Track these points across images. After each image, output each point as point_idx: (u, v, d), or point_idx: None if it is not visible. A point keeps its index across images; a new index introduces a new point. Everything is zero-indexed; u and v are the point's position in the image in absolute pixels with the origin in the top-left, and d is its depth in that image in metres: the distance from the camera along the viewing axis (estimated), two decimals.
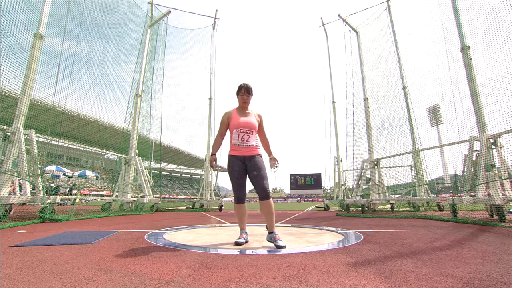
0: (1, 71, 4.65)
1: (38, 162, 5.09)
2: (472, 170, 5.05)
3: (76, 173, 21.81)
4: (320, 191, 59.39)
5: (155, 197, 8.75)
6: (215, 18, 12.08)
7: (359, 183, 8.12)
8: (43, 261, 1.75)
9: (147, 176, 8.57)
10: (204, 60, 12.29)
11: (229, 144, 2.66)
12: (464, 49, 5.40)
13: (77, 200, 7.13)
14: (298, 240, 2.67)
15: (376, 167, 8.20)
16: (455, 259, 1.78)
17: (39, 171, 5.08)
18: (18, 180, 5.09)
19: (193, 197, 43.31)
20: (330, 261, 1.74)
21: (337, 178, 11.83)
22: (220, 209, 9.67)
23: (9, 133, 4.77)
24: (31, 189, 4.97)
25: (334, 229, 3.62)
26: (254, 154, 2.57)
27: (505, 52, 4.62)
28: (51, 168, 14.04)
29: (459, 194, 5.63)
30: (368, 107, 8.91)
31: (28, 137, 5.04)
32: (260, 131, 2.74)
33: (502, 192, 4.45)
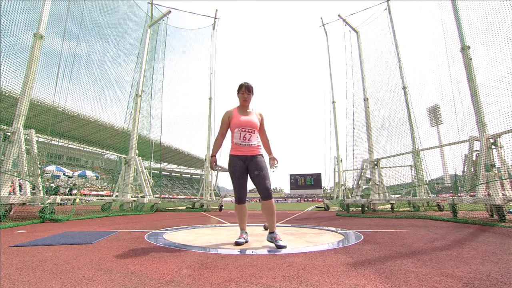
0: (1, 71, 4.65)
1: (38, 162, 5.08)
2: (472, 170, 5.05)
3: (76, 173, 21.81)
4: (320, 191, 59.36)
5: (155, 197, 8.75)
6: (215, 18, 12.08)
7: (359, 183, 8.12)
8: (43, 261, 1.75)
9: (147, 176, 8.57)
10: (204, 60, 12.31)
11: (229, 143, 2.66)
12: (464, 49, 5.40)
13: (77, 200, 7.13)
14: (298, 240, 2.67)
15: (376, 167, 8.20)
16: (455, 259, 1.78)
17: (39, 171, 5.08)
18: (18, 180, 5.09)
19: (193, 197, 43.30)
20: (330, 261, 1.74)
21: (337, 178, 11.83)
22: (220, 209, 9.67)
23: (9, 133, 4.77)
24: (31, 189, 4.97)
25: (334, 229, 3.62)
26: (256, 154, 2.56)
27: (505, 52, 4.62)
28: (51, 168, 14.04)
29: (459, 194, 5.63)
30: (368, 107, 8.91)
31: (28, 137, 5.04)
32: (261, 130, 2.73)
33: (502, 192, 4.45)
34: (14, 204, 4.56)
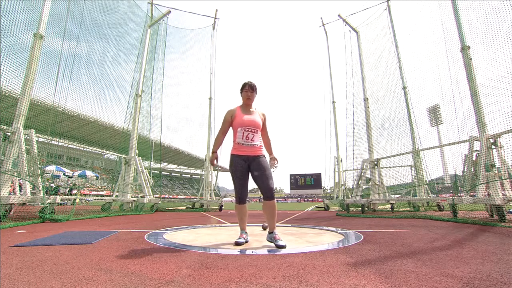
0: (1, 71, 4.65)
1: (38, 162, 5.08)
2: (472, 170, 5.05)
3: (76, 173, 21.81)
4: (320, 191, 59.36)
5: (155, 197, 8.75)
6: (215, 18, 12.08)
7: (359, 183, 8.12)
8: (43, 261, 1.75)
9: (147, 176, 8.57)
10: (204, 60, 12.31)
11: (229, 143, 2.65)
12: (464, 49, 5.40)
13: (77, 200, 7.13)
14: (298, 240, 2.67)
15: (376, 167, 8.20)
16: (455, 259, 1.78)
17: (39, 171, 5.08)
18: (18, 180, 5.09)
19: (193, 197, 43.30)
20: (330, 261, 1.74)
21: (337, 178, 11.83)
22: (220, 209, 9.67)
23: (9, 133, 4.77)
24: (31, 189, 4.97)
25: (334, 229, 3.62)
26: (258, 154, 2.55)
27: (505, 52, 4.62)
28: (51, 168, 14.04)
29: (459, 194, 5.63)
30: (368, 107, 8.91)
31: (28, 137, 5.04)
32: (263, 130, 2.72)
33: (502, 192, 4.45)
34: (14, 204, 4.56)
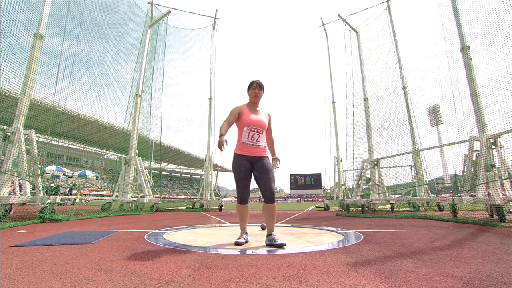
0: (1, 71, 4.65)
1: (38, 162, 5.08)
2: (472, 170, 5.05)
3: (76, 173, 21.81)
4: (320, 191, 59.35)
5: (155, 197, 8.75)
6: (215, 18, 12.08)
7: (359, 183, 8.12)
8: (43, 261, 1.75)
9: (147, 176, 8.57)
10: (204, 60, 12.31)
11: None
12: (464, 49, 5.40)
13: (77, 200, 7.13)
14: (298, 240, 2.67)
15: (376, 167, 8.20)
16: (455, 259, 1.78)
17: (39, 171, 5.08)
18: (18, 180, 5.09)
19: (193, 197, 43.29)
20: (330, 261, 1.74)
21: (337, 178, 11.84)
22: (220, 209, 9.67)
23: (9, 133, 4.77)
24: (31, 189, 4.97)
25: (334, 229, 3.62)
26: (262, 155, 2.53)
27: (505, 52, 4.62)
28: (51, 168, 14.04)
29: (459, 194, 5.63)
30: (368, 107, 8.91)
31: (28, 137, 5.04)
32: (268, 130, 2.70)
33: (502, 192, 4.45)
34: (14, 204, 4.56)
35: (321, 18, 12.58)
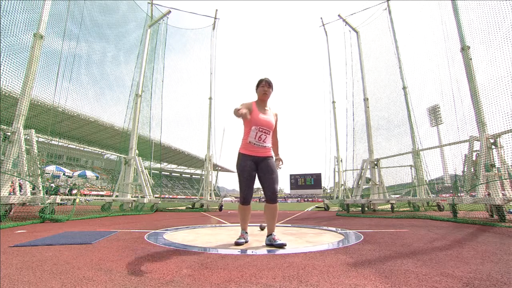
0: (1, 71, 4.65)
1: (38, 162, 5.08)
2: (472, 170, 5.05)
3: (76, 173, 21.82)
4: (320, 191, 59.33)
5: (155, 197, 8.74)
6: (215, 18, 12.08)
7: (359, 183, 8.12)
8: (43, 261, 1.75)
9: (147, 176, 8.57)
10: (204, 60, 12.30)
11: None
12: (464, 49, 5.40)
13: (77, 200, 7.13)
14: (298, 240, 2.67)
15: (376, 167, 8.20)
16: (455, 259, 1.78)
17: (39, 171, 5.08)
18: (18, 180, 5.09)
19: (193, 197, 43.28)
20: (330, 261, 1.74)
21: (337, 178, 11.83)
22: (220, 209, 9.67)
23: (9, 133, 4.77)
24: (31, 189, 4.97)
25: (334, 229, 3.62)
26: (268, 155, 2.53)
27: (505, 52, 4.62)
28: (51, 168, 14.05)
29: (459, 194, 5.63)
30: (368, 107, 8.91)
31: (28, 137, 5.03)
32: (274, 130, 2.68)
33: (502, 192, 4.45)
34: (14, 204, 4.56)
35: (321, 18, 12.58)
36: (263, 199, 2.50)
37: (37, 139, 5.23)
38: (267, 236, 2.42)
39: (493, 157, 4.75)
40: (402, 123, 8.28)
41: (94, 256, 1.89)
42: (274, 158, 2.65)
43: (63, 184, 16.91)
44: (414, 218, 5.29)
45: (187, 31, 12.41)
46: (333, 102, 12.60)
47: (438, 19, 6.62)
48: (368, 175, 8.33)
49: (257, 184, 2.55)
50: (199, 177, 63.17)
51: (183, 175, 66.66)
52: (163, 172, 54.39)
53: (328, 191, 45.20)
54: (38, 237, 2.83)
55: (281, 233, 3.15)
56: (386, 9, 9.27)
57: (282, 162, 2.71)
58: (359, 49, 9.78)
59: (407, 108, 8.16)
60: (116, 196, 8.04)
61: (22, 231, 3.35)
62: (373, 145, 8.50)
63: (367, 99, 8.98)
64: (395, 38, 8.79)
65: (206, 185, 10.53)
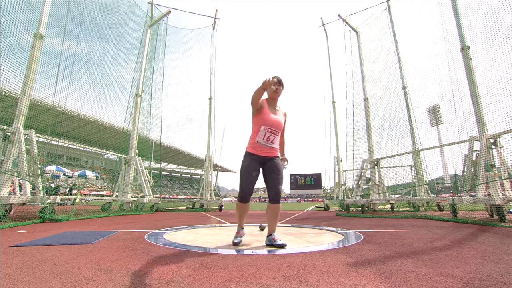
0: (1, 71, 4.65)
1: (38, 162, 5.08)
2: (472, 170, 5.05)
3: (76, 173, 21.82)
4: (320, 191, 59.31)
5: (155, 197, 8.75)
6: (215, 18, 12.08)
7: (359, 183, 8.12)
8: (43, 261, 1.75)
9: (147, 176, 8.57)
10: (204, 60, 12.30)
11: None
12: (464, 49, 5.40)
13: (77, 200, 7.13)
14: (298, 240, 2.67)
15: (376, 167, 8.20)
16: (455, 259, 1.78)
17: (39, 171, 5.08)
18: (18, 180, 5.09)
19: (193, 197, 43.27)
20: (330, 261, 1.74)
21: (337, 178, 11.83)
22: (220, 209, 9.67)
23: (9, 133, 4.77)
24: (31, 189, 4.97)
25: (334, 229, 3.62)
26: (274, 156, 2.52)
27: (505, 52, 4.62)
28: (51, 168, 14.05)
29: (459, 194, 5.63)
30: (368, 107, 8.91)
31: (28, 137, 5.03)
32: (282, 130, 2.65)
33: (502, 192, 4.45)
34: (14, 204, 4.56)
35: (321, 18, 12.58)
36: (263, 199, 2.49)
37: (37, 139, 5.23)
38: (267, 236, 2.42)
39: (493, 157, 4.75)
40: (402, 123, 8.28)
41: (94, 256, 1.89)
42: (280, 158, 2.64)
43: (63, 184, 16.91)
44: (414, 218, 5.29)
45: (187, 31, 12.41)
46: (333, 102, 12.60)
47: (438, 19, 6.62)
48: (368, 175, 8.33)
49: (257, 184, 2.54)
50: (199, 177, 63.18)
51: (183, 175, 66.65)
52: (163, 172, 54.39)
53: (328, 191, 45.20)
54: (38, 237, 2.83)
55: (281, 233, 3.15)
56: (386, 9, 9.27)
57: (287, 162, 2.71)
58: (359, 49, 9.78)
59: (407, 108, 8.16)
60: (116, 196, 8.04)
61: (22, 231, 3.35)
62: (373, 145, 8.50)
63: (367, 99, 8.98)
64: (395, 38, 8.79)
65: (206, 185, 10.53)
